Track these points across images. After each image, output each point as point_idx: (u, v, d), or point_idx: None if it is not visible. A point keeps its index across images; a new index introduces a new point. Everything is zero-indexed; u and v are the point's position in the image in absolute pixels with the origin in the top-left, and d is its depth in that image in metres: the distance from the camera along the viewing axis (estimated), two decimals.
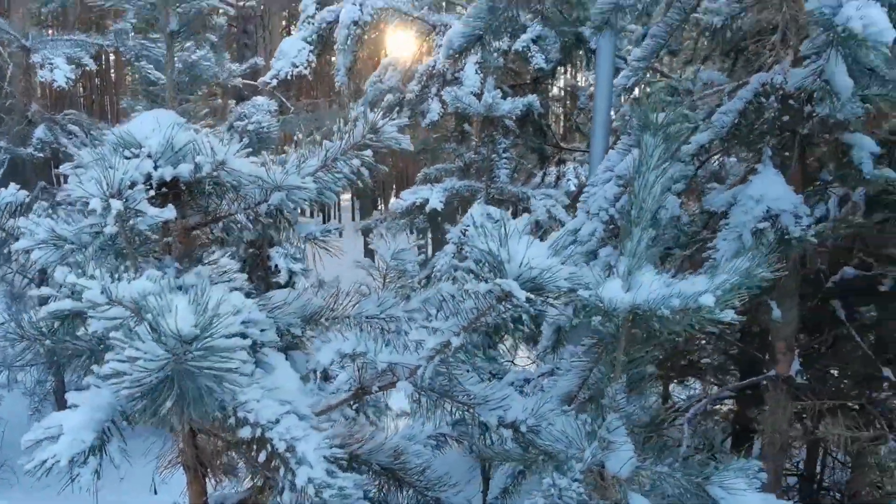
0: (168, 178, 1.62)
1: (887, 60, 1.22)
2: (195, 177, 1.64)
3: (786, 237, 1.76)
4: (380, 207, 21.08)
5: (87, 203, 1.54)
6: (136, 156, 1.63)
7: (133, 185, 1.56)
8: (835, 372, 3.21)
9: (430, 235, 8.94)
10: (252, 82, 7.89)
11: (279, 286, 3.75)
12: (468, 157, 5.09)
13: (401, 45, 4.47)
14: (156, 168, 1.61)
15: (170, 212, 1.58)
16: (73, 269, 1.25)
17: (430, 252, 7.70)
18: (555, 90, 6.19)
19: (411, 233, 6.08)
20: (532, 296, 1.31)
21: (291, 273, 4.04)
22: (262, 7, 14.26)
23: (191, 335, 0.99)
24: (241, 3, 12.27)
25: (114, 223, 1.51)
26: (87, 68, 5.23)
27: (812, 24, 1.31)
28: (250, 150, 1.69)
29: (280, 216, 1.87)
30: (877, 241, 2.59)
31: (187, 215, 1.83)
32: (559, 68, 5.03)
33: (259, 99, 5.66)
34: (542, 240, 4.35)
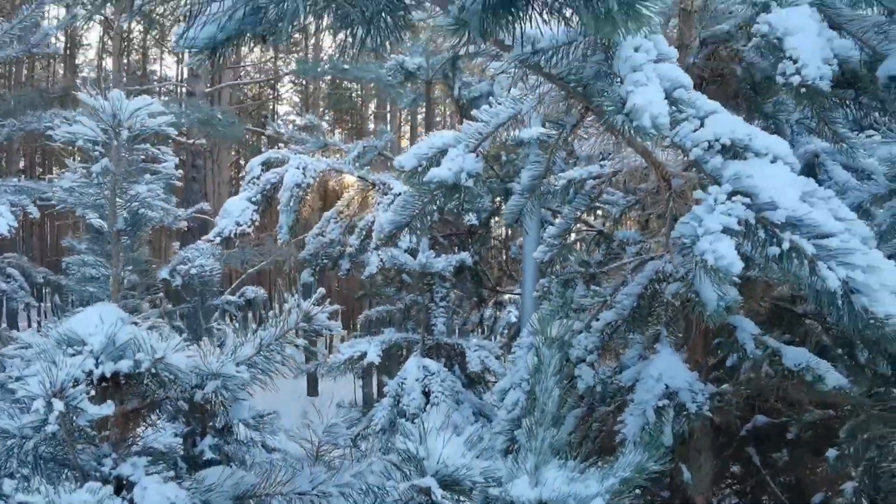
0: (109, 374, 1.71)
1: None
2: (135, 371, 1.74)
3: (684, 413, 1.94)
4: (324, 336, 20.98)
5: (31, 400, 1.62)
6: (79, 352, 1.72)
7: (76, 382, 1.65)
8: None
9: (374, 375, 8.93)
10: (202, 215, 8.07)
11: (215, 429, 3.75)
12: (408, 299, 5.27)
13: (342, 200, 4.72)
14: (97, 365, 1.70)
15: (108, 408, 1.66)
16: (19, 483, 1.31)
17: (374, 390, 7.70)
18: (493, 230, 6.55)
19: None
20: (447, 493, 1.43)
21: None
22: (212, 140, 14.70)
23: None
24: (192, 141, 12.69)
25: (55, 421, 1.58)
26: (31, 216, 5.30)
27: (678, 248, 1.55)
28: (188, 343, 1.81)
29: (215, 400, 1.96)
30: (778, 396, 2.81)
31: (125, 401, 1.91)
32: (493, 218, 5.37)
33: (202, 243, 5.80)
34: (479, 383, 4.40)
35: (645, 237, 3.28)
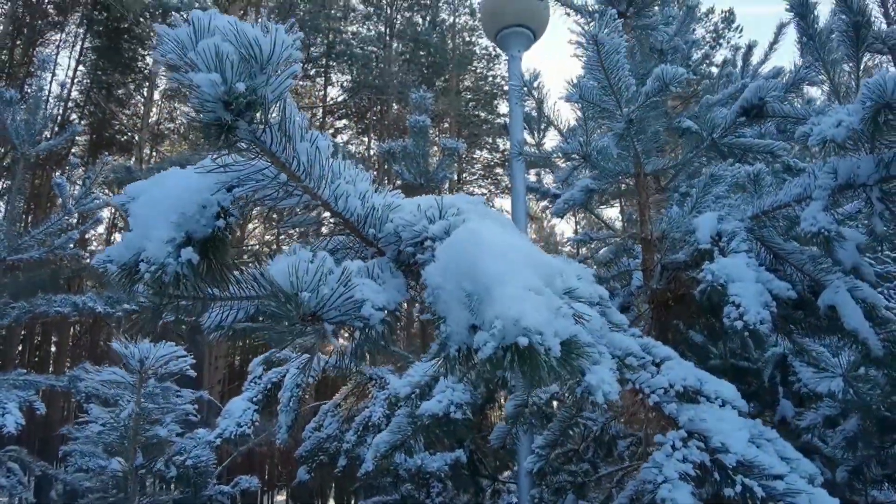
0: None
1: None
2: None
3: None
4: None
5: None
6: None
7: None
8: None
9: None
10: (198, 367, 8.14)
11: None
12: (404, 490, 5.27)
13: (339, 393, 4.89)
14: None
15: None
16: None
17: None
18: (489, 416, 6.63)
19: None
20: None
21: None
22: None
23: None
24: (193, 318, 13.01)
25: None
26: (39, 413, 5.41)
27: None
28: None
29: None
30: None
31: None
32: (487, 405, 5.51)
33: (200, 431, 5.86)
34: None
35: (633, 430, 3.43)
